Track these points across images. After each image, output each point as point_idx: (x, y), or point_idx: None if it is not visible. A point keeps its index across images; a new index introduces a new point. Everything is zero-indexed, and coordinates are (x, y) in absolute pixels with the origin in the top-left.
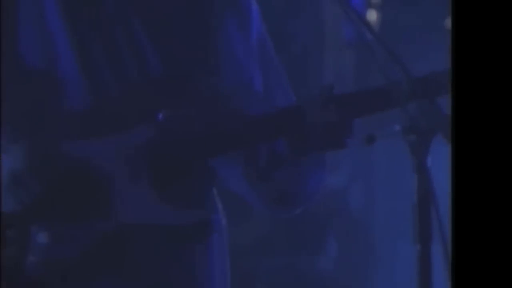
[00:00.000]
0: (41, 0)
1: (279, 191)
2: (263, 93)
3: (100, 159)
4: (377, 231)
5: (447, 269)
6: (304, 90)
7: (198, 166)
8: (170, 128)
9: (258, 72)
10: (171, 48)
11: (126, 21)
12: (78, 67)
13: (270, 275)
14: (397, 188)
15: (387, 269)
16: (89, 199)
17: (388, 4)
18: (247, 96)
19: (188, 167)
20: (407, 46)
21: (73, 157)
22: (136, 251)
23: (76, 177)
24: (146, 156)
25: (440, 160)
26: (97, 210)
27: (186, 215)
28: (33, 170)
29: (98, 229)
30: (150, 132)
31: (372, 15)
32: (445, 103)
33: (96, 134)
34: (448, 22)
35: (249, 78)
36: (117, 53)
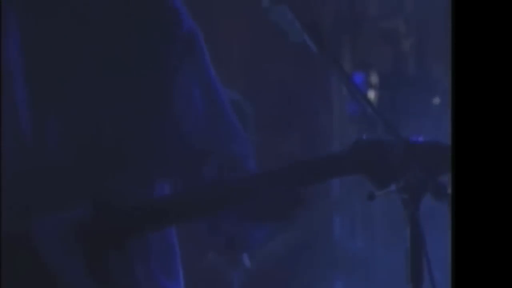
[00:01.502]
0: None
1: (227, 239)
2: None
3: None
4: (378, 271)
5: None
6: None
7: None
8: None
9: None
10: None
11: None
12: (29, 118)
13: None
14: (394, 236)
15: None
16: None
17: (385, 84)
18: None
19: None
20: (402, 119)
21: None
22: None
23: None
24: (81, 234)
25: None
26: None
27: None
28: None
29: None
30: (88, 210)
31: (371, 94)
32: (433, 165)
33: (38, 202)
34: (436, 100)
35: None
36: (72, 115)
